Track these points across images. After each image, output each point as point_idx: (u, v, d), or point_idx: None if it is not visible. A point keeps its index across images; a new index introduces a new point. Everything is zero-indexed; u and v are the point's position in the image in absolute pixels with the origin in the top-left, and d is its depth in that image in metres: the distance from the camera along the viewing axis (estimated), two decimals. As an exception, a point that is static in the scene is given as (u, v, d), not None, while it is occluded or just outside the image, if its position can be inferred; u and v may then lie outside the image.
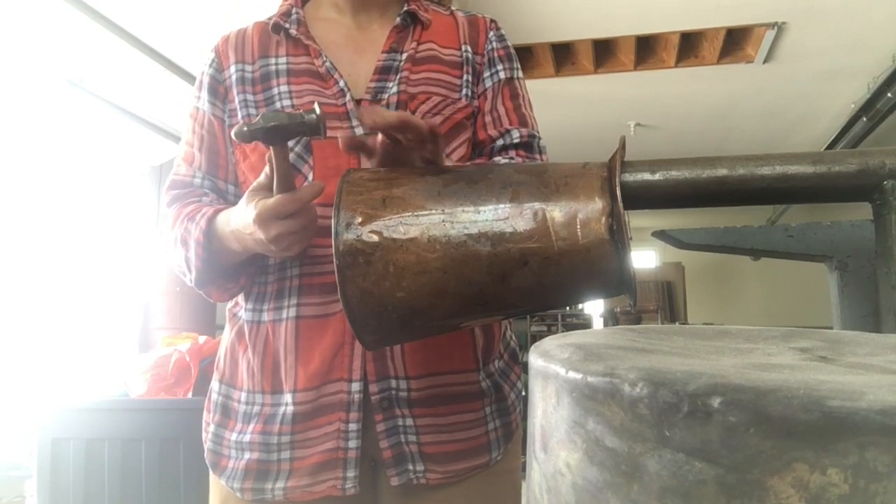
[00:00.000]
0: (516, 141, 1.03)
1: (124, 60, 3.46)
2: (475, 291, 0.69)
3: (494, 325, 1.05)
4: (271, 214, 0.80)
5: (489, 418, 1.00)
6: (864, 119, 5.34)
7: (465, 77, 1.04)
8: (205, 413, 1.04)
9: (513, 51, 1.10)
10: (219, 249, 0.92)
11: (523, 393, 1.10)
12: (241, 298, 1.02)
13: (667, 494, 0.37)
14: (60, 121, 3.82)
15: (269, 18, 1.06)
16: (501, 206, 0.68)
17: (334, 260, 0.69)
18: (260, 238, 0.82)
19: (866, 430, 0.33)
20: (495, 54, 1.08)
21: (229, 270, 0.96)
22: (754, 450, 0.34)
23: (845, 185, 0.68)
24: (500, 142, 1.03)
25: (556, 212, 0.67)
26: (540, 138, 1.07)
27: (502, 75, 1.07)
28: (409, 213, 0.69)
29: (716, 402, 0.35)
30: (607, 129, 6.20)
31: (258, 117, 0.77)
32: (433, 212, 0.69)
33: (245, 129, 0.77)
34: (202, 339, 2.79)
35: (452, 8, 1.12)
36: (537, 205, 0.68)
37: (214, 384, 1.03)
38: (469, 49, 1.06)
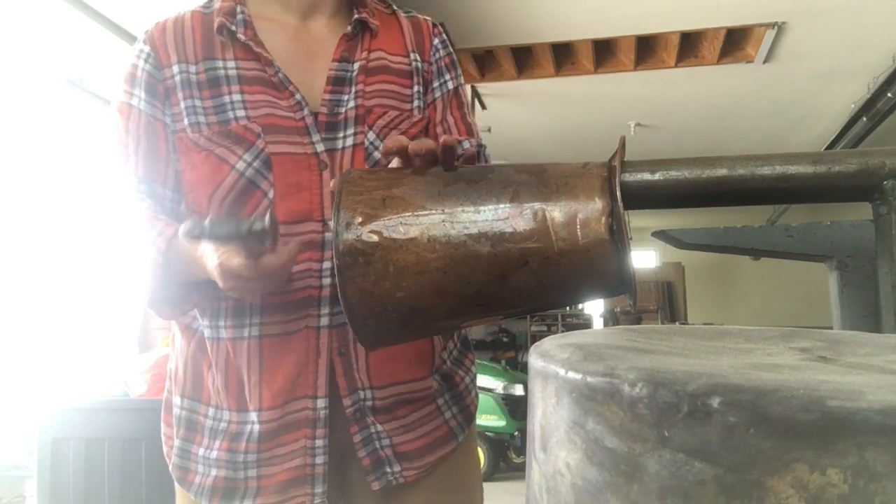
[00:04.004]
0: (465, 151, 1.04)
1: (124, 60, 3.46)
2: (475, 291, 0.69)
3: None
4: (230, 273, 0.79)
5: (444, 408, 1.03)
6: (864, 119, 5.34)
7: (415, 88, 1.03)
8: (164, 426, 1.03)
9: (455, 56, 1.11)
10: (177, 270, 0.88)
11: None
12: (195, 311, 0.98)
13: (666, 495, 0.37)
14: (60, 121, 3.82)
15: (206, 8, 1.00)
16: (501, 206, 0.68)
17: (334, 260, 0.69)
18: (217, 281, 0.81)
19: (866, 430, 0.33)
20: (442, 63, 1.07)
21: (183, 289, 0.92)
22: (754, 450, 0.34)
23: (845, 185, 0.68)
24: None
25: (556, 212, 0.67)
26: (485, 146, 1.09)
27: (450, 85, 1.07)
28: (409, 213, 0.69)
29: (715, 402, 0.35)
30: (607, 129, 6.20)
31: (207, 221, 0.76)
32: (433, 212, 0.69)
33: (195, 230, 0.76)
34: (202, 339, 2.79)
35: (394, 7, 1.10)
36: (537, 205, 0.68)
37: (175, 398, 1.01)
38: (417, 57, 1.04)
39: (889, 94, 4.88)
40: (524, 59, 4.94)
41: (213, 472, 0.95)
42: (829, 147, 6.22)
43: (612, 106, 5.90)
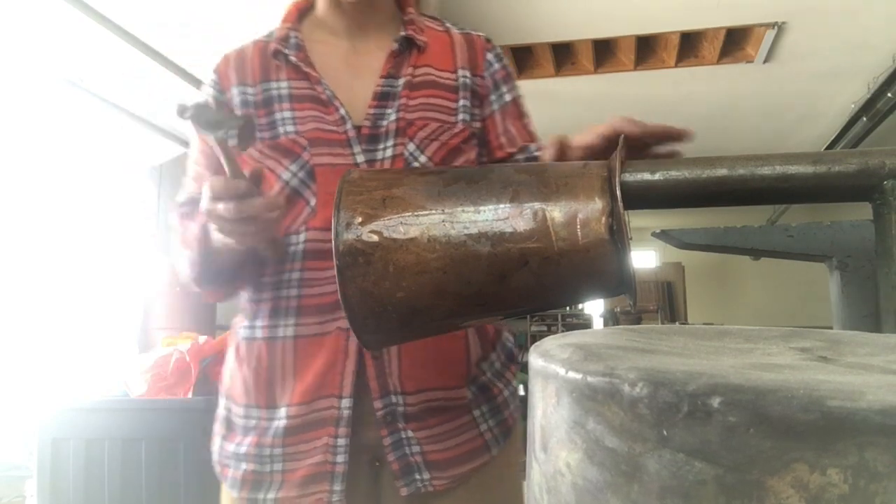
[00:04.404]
0: (535, 154, 1.08)
1: (124, 60, 3.46)
2: (475, 291, 0.69)
3: (492, 334, 1.08)
4: (214, 184, 0.84)
5: (479, 420, 1.03)
6: (864, 119, 5.34)
7: (461, 102, 1.06)
8: (215, 423, 1.09)
9: (510, 69, 1.15)
10: (214, 248, 0.96)
11: (522, 392, 1.12)
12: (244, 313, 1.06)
13: (667, 494, 0.37)
14: (60, 121, 3.82)
15: (268, 38, 1.08)
16: (501, 206, 0.68)
17: (334, 260, 0.69)
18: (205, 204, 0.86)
19: (866, 430, 0.33)
20: (498, 76, 1.12)
21: (223, 271, 1.00)
22: (754, 450, 0.34)
23: (845, 185, 0.68)
24: (519, 156, 1.09)
25: (556, 212, 0.67)
26: None
27: (508, 98, 1.12)
28: (409, 213, 0.69)
29: (715, 402, 0.35)
30: (607, 129, 6.18)
31: (192, 103, 0.83)
32: (433, 212, 0.69)
33: (182, 109, 0.83)
34: (202, 339, 2.79)
35: (447, 24, 1.14)
36: (537, 205, 0.68)
37: (221, 399, 1.08)
38: (468, 73, 1.08)
39: (889, 94, 4.88)
40: (524, 59, 4.94)
41: (243, 466, 1.00)
42: (829, 147, 6.22)
43: (612, 106, 5.89)
